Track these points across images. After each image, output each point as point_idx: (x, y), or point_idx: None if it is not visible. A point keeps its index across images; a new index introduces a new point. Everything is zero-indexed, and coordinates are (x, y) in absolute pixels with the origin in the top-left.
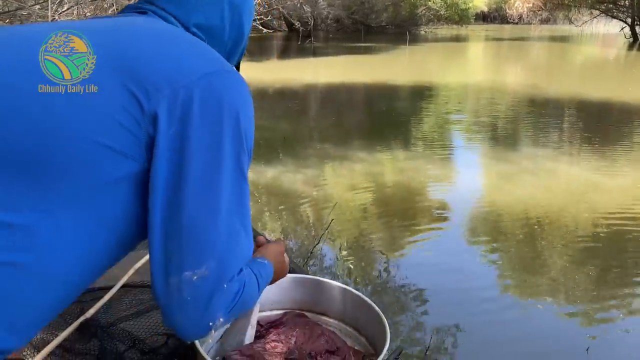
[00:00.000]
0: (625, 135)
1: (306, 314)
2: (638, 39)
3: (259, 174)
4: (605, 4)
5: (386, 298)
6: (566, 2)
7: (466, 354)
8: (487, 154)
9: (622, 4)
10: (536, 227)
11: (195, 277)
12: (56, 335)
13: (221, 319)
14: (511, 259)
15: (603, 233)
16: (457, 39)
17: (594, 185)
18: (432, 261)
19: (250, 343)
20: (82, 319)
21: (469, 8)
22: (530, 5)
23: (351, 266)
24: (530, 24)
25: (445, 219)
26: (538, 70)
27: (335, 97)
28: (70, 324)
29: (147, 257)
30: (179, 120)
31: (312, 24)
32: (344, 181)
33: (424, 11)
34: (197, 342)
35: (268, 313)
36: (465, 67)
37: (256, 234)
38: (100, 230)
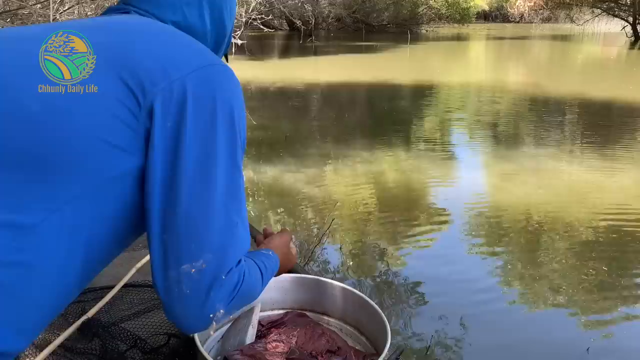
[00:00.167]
0: (626, 134)
1: (307, 313)
2: (639, 38)
3: (260, 173)
4: (606, 3)
5: (387, 298)
6: (567, 0)
7: (467, 354)
8: (488, 153)
9: (623, 2)
10: (537, 226)
11: (193, 270)
12: (58, 335)
13: (222, 311)
14: (513, 260)
15: (604, 232)
16: (459, 38)
17: (596, 184)
18: (434, 261)
19: (251, 343)
20: (83, 318)
21: (470, 7)
22: (532, 4)
23: (352, 266)
24: (532, 22)
25: (446, 218)
26: (539, 69)
27: (336, 96)
28: (71, 324)
29: (148, 257)
30: (174, 113)
31: (313, 23)
32: (345, 180)
33: (425, 10)
34: (198, 342)
35: (269, 313)
36: (467, 66)
37: (255, 234)
38: (100, 226)
